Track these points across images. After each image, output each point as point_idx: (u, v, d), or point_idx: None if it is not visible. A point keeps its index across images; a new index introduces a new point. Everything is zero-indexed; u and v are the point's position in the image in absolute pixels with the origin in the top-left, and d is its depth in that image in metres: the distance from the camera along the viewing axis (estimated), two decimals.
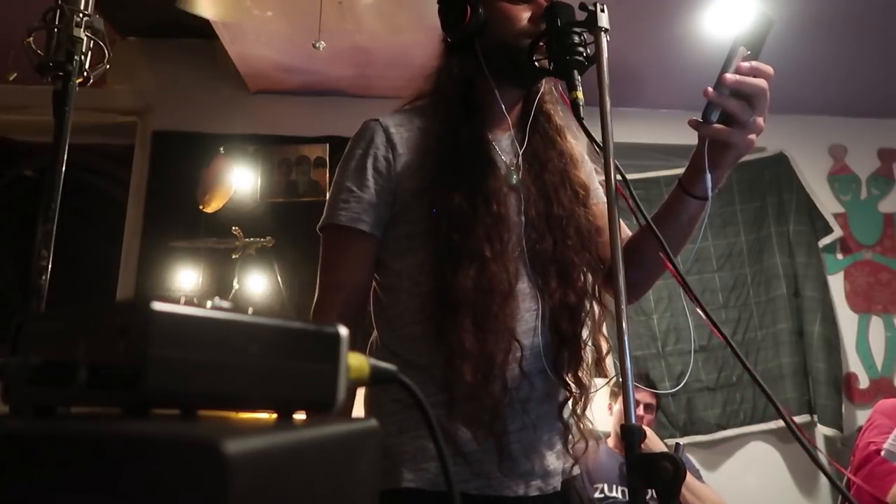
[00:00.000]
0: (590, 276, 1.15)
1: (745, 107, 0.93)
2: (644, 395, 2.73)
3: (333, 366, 0.42)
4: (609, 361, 1.18)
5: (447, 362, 1.04)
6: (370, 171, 1.13)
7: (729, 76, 0.91)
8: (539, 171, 1.16)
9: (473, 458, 1.05)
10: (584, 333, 1.15)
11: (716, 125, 0.95)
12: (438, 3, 1.20)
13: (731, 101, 0.93)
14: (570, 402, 1.14)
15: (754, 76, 0.92)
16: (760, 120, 0.95)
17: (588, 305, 1.15)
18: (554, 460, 1.11)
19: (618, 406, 2.70)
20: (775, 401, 0.81)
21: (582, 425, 1.13)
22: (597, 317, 1.16)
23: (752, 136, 0.96)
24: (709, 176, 0.97)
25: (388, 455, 1.06)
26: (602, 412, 2.73)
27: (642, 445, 0.77)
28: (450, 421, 1.05)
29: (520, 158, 1.16)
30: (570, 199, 1.16)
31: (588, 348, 1.14)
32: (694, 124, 0.96)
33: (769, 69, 0.93)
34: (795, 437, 0.79)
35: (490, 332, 1.04)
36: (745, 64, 0.92)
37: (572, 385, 1.12)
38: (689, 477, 2.58)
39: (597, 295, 1.16)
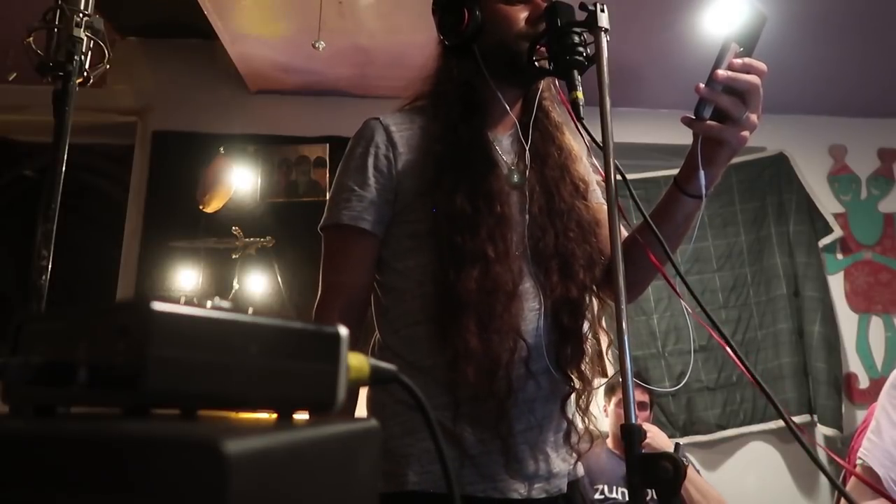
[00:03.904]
0: (590, 271, 1.15)
1: (737, 103, 0.93)
2: (637, 394, 2.72)
3: (333, 366, 0.42)
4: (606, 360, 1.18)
5: (451, 364, 1.03)
6: (371, 170, 1.12)
7: (720, 72, 0.91)
8: (540, 166, 1.16)
9: (479, 460, 1.05)
10: (585, 327, 1.14)
11: (708, 122, 0.94)
12: (434, 6, 1.20)
13: (723, 98, 0.92)
14: (573, 397, 1.14)
15: (747, 73, 0.92)
16: (754, 117, 0.95)
17: (588, 300, 1.15)
18: (559, 462, 1.11)
19: (612, 406, 2.70)
20: (776, 402, 0.81)
21: (586, 420, 1.14)
22: (596, 311, 1.16)
23: (746, 133, 0.95)
24: (702, 173, 0.97)
25: (393, 457, 1.05)
26: (599, 413, 2.73)
27: (645, 443, 0.77)
28: (455, 423, 1.05)
29: (527, 157, 1.16)
30: (570, 192, 1.16)
31: (589, 342, 1.14)
32: (686, 121, 0.96)
33: (762, 66, 0.93)
34: (795, 436, 0.79)
35: (495, 332, 1.04)
36: (738, 60, 0.91)
37: (575, 380, 1.12)
38: (694, 474, 2.58)
39: (596, 290, 1.16)
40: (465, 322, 1.03)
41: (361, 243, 1.13)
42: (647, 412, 2.76)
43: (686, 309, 1.11)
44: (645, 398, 2.76)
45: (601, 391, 2.67)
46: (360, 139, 1.16)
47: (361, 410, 1.18)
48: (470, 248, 1.05)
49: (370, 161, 1.13)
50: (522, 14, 1.12)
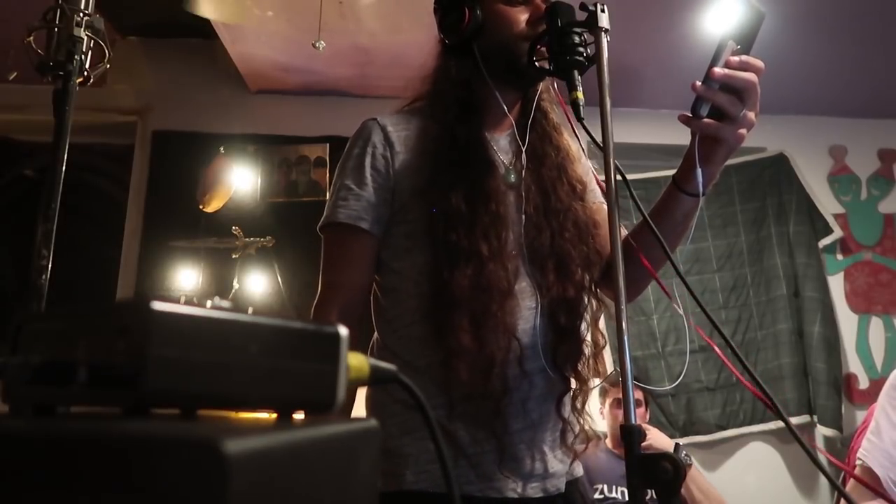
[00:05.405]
0: (587, 270, 1.15)
1: (734, 101, 0.93)
2: None
3: (333, 366, 0.42)
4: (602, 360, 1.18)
5: (445, 362, 1.03)
6: (368, 170, 1.13)
7: (717, 70, 0.90)
8: (537, 166, 1.16)
9: (475, 460, 1.05)
10: (582, 327, 1.14)
11: (705, 120, 0.94)
12: (435, 4, 1.20)
13: (720, 95, 0.92)
14: (568, 397, 1.13)
15: (744, 70, 0.91)
16: (751, 115, 0.94)
17: (586, 300, 1.15)
18: (556, 461, 1.11)
19: (608, 407, 2.70)
20: (776, 404, 0.81)
21: (582, 420, 1.13)
22: (594, 311, 1.16)
23: (743, 131, 0.95)
24: (700, 171, 0.96)
25: (391, 457, 1.05)
26: (595, 413, 2.72)
27: (645, 444, 0.77)
28: (450, 422, 1.05)
29: (523, 157, 1.16)
30: (567, 193, 1.16)
31: (586, 342, 1.14)
32: (683, 119, 0.96)
33: (759, 63, 0.92)
34: (795, 436, 0.79)
35: (489, 330, 1.04)
36: (735, 58, 0.91)
37: (572, 380, 1.12)
38: (696, 473, 2.58)
39: (594, 290, 1.16)
40: (458, 319, 1.03)
41: (359, 242, 1.13)
42: (643, 409, 2.77)
43: (686, 319, 1.12)
44: (639, 396, 2.76)
45: (596, 392, 2.66)
46: (358, 139, 1.17)
47: (360, 410, 1.18)
48: (464, 246, 1.05)
49: (367, 161, 1.13)
50: (523, 15, 1.12)
